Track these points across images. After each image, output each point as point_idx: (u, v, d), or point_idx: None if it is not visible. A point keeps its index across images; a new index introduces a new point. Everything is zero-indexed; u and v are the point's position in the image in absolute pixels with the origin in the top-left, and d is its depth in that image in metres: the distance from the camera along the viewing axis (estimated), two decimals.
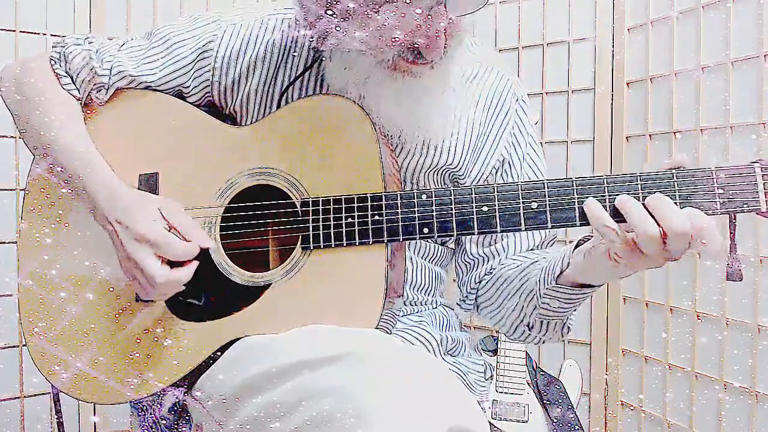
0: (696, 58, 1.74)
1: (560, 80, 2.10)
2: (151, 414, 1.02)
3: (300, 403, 0.75)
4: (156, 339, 0.94)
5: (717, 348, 1.71)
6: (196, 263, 0.91)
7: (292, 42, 1.03)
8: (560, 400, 1.88)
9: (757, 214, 0.80)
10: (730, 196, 0.80)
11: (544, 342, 1.05)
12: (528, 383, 1.90)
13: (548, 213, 0.86)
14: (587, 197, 0.84)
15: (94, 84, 1.04)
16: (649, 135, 1.88)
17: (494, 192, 0.88)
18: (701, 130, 1.73)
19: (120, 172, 0.96)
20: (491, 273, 1.09)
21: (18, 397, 1.86)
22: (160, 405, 1.00)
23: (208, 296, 0.95)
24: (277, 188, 0.95)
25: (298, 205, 0.93)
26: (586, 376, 2.01)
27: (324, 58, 0.97)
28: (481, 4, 0.85)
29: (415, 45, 0.88)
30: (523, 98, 1.11)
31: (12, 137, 1.78)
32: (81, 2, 1.95)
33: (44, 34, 1.87)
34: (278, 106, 1.01)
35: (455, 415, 0.75)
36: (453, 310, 1.17)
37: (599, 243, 0.85)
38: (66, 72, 1.05)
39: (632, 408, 1.95)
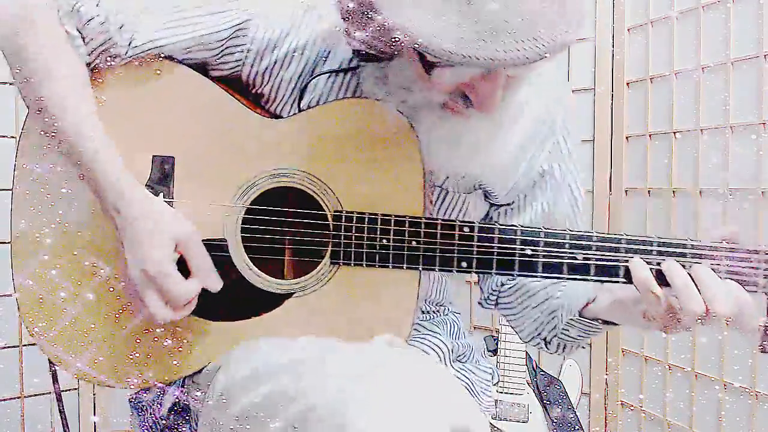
0: (696, 58, 1.74)
1: None
2: (150, 414, 1.02)
3: (304, 393, 0.74)
4: (165, 332, 0.92)
5: (717, 348, 1.70)
6: (195, 300, 0.88)
7: (337, 36, 0.94)
8: (560, 400, 1.88)
9: None
10: None
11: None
12: (528, 383, 1.90)
13: (593, 266, 0.84)
14: (634, 256, 0.82)
15: (109, 54, 0.91)
16: (649, 135, 1.88)
17: (541, 237, 0.85)
18: (701, 130, 1.73)
19: (132, 150, 0.89)
20: (514, 278, 1.07)
21: (18, 397, 1.86)
22: (160, 405, 1.00)
23: (226, 297, 0.90)
24: (306, 193, 0.90)
25: (330, 217, 0.89)
26: (586, 376, 2.01)
27: (362, 70, 0.91)
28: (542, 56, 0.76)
29: (469, 98, 0.83)
30: (569, 107, 1.05)
31: (12, 137, 1.78)
32: None
33: None
34: (301, 96, 0.94)
35: (457, 415, 0.75)
36: (459, 314, 1.16)
37: (636, 298, 0.84)
38: (78, 31, 0.90)
39: (632, 408, 1.95)
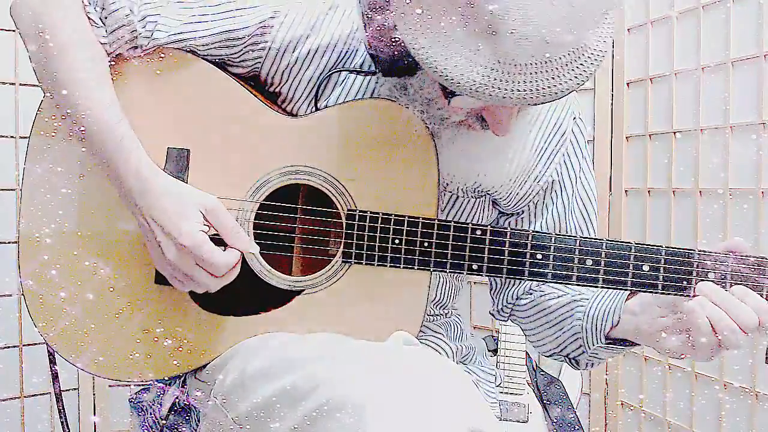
0: (696, 58, 1.74)
1: None
2: (151, 414, 1.02)
3: (322, 386, 0.74)
4: (172, 324, 0.92)
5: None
6: (239, 266, 0.88)
7: (358, 39, 0.95)
8: (560, 400, 1.87)
9: None
10: None
11: None
12: (528, 383, 1.90)
13: (601, 272, 0.86)
14: (643, 264, 0.84)
15: (131, 45, 0.92)
16: (649, 135, 1.88)
17: (551, 242, 0.87)
18: (701, 130, 1.73)
19: (147, 140, 0.89)
20: (530, 294, 1.07)
21: (18, 397, 1.86)
22: (160, 405, 1.00)
23: (234, 291, 0.90)
24: (320, 191, 0.90)
25: (344, 216, 0.89)
26: (586, 376, 2.01)
27: (380, 79, 0.92)
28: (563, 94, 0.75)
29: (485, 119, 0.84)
30: (580, 116, 1.06)
31: (12, 137, 1.78)
32: None
33: None
34: (318, 95, 0.94)
35: (475, 417, 0.75)
36: (462, 316, 1.16)
37: (656, 329, 0.86)
38: (101, 21, 0.90)
39: (632, 408, 1.95)
